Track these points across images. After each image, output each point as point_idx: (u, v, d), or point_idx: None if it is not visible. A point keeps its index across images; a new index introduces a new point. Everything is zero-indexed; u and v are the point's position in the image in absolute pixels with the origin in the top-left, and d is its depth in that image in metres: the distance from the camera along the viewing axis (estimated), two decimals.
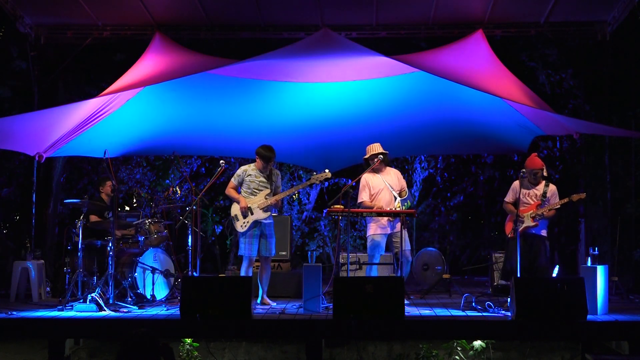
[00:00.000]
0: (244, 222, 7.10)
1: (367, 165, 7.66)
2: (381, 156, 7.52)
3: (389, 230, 7.46)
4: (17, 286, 7.80)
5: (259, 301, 7.14)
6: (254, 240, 7.10)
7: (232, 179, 7.30)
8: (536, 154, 7.35)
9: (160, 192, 11.62)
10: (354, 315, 5.93)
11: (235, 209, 7.19)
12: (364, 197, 7.60)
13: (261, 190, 7.19)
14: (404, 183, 7.72)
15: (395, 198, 7.53)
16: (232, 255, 11.65)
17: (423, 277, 9.49)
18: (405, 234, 7.36)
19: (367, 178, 7.59)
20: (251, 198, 7.17)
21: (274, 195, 7.20)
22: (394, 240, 7.47)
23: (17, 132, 7.49)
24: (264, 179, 7.23)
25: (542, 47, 11.01)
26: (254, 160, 7.35)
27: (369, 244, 7.60)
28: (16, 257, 8.23)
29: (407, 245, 7.42)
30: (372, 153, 7.59)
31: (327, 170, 7.22)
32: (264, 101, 8.87)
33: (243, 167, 7.33)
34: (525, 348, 6.80)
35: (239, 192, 7.28)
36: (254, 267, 7.34)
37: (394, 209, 7.46)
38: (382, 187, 7.56)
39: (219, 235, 12.21)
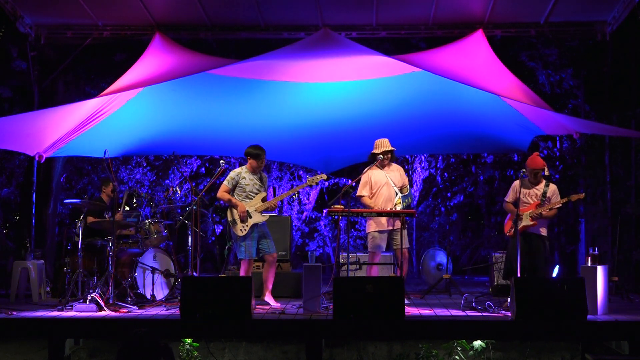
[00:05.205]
0: (243, 226, 7.06)
1: (372, 159, 7.62)
2: (389, 155, 7.54)
3: (387, 227, 7.45)
4: (17, 286, 7.79)
5: (266, 299, 7.14)
6: (253, 243, 7.09)
7: (225, 182, 7.16)
8: (537, 153, 7.34)
9: (160, 192, 11.65)
10: (354, 315, 5.93)
11: (233, 214, 7.15)
12: (364, 192, 7.59)
13: (256, 194, 7.17)
14: (406, 180, 7.71)
15: (397, 194, 7.53)
16: (232, 255, 11.66)
17: (436, 276, 9.47)
18: (404, 232, 7.35)
19: (369, 173, 7.58)
20: (247, 202, 7.12)
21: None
22: (394, 237, 7.47)
23: (17, 132, 7.49)
24: (257, 182, 7.21)
25: (542, 47, 11.02)
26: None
27: (369, 242, 7.59)
28: (16, 257, 8.23)
29: (406, 244, 7.41)
30: (382, 150, 7.56)
31: (321, 173, 7.49)
32: (264, 101, 8.87)
33: (236, 170, 7.21)
34: (525, 348, 6.80)
35: (233, 196, 7.17)
36: (253, 268, 7.32)
37: (394, 205, 7.45)
38: (384, 183, 7.55)
39: (219, 235, 12.22)
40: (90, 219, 7.49)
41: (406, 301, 6.71)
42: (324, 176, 7.46)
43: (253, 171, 7.21)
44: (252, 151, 7.19)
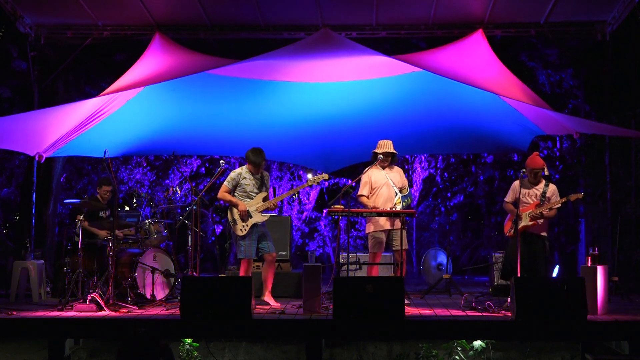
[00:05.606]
0: (243, 226, 7.06)
1: (374, 158, 7.61)
2: (389, 157, 7.55)
3: (387, 227, 7.44)
4: (17, 286, 7.79)
5: (266, 299, 7.14)
6: (253, 243, 7.09)
7: (226, 183, 7.17)
8: (537, 153, 7.34)
9: (160, 192, 11.67)
10: (354, 315, 5.93)
11: (233, 213, 7.15)
12: (364, 191, 7.58)
13: (257, 193, 7.16)
14: (405, 182, 7.72)
15: (396, 194, 7.52)
16: (232, 255, 11.67)
17: (436, 276, 9.48)
18: (404, 233, 7.34)
19: (369, 173, 7.58)
20: (247, 201, 7.12)
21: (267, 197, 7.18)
22: (393, 238, 7.46)
23: (17, 132, 7.49)
24: (258, 181, 7.20)
25: (542, 47, 11.03)
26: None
27: (369, 242, 7.58)
28: (16, 257, 8.23)
29: (405, 245, 7.40)
30: (383, 150, 7.56)
31: (324, 173, 7.40)
32: (264, 101, 8.87)
33: (236, 171, 7.22)
34: (525, 348, 6.81)
35: (233, 196, 7.17)
36: (253, 268, 7.31)
37: (394, 204, 7.45)
38: (384, 183, 7.55)
39: (219, 235, 12.23)
40: (86, 224, 7.47)
41: (406, 301, 6.70)
42: (326, 176, 7.43)
43: (253, 171, 7.21)
44: (250, 156, 7.15)
